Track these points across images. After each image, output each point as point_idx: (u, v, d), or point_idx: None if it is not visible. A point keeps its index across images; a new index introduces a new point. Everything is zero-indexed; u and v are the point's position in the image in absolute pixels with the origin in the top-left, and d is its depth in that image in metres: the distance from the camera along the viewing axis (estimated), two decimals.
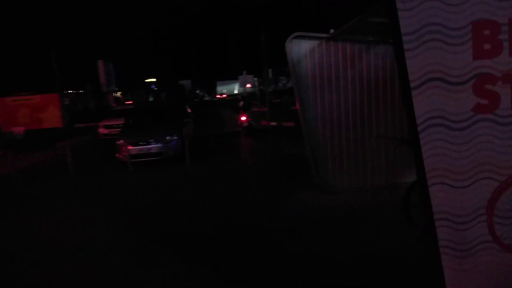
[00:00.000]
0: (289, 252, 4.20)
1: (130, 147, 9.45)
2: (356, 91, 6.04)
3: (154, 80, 54.66)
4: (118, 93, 49.32)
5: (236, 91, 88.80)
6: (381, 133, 6.08)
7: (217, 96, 79.56)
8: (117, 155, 9.90)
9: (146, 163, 9.75)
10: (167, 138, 9.92)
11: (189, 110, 14.69)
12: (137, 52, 57.45)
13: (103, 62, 36.14)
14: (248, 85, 62.30)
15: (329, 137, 6.05)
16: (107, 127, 15.93)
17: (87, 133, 19.24)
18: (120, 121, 15.33)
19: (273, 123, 11.55)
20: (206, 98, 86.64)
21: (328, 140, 6.06)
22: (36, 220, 6.02)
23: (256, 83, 63.91)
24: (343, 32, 5.52)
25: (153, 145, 9.75)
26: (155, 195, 6.98)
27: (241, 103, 18.62)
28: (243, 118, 15.11)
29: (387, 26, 5.06)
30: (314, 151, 6.08)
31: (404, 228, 4.58)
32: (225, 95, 71.39)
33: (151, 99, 57.14)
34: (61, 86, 24.92)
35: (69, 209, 6.46)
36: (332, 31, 6.32)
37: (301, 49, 5.91)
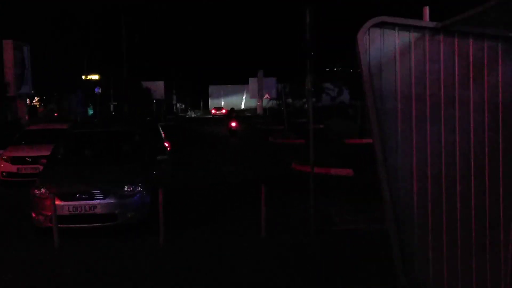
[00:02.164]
0: None
1: (58, 202, 9.46)
2: (486, 125, 5.97)
3: (97, 78, 55.64)
4: (36, 100, 50.19)
5: (243, 105, 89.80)
6: None
7: (213, 111, 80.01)
8: (33, 214, 9.92)
9: (85, 232, 9.76)
10: (126, 189, 10.00)
11: (164, 140, 14.74)
12: (70, 29, 58.50)
13: (12, 44, 37.03)
14: (267, 96, 63.16)
15: (432, 205, 5.93)
16: (14, 160, 16.05)
17: None
18: (38, 151, 15.48)
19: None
20: (192, 115, 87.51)
21: (431, 213, 5.93)
22: None
23: (274, 95, 64.25)
24: (467, 20, 5.53)
25: (100, 201, 9.77)
26: None
27: (234, 114, 37.68)
28: (233, 124, 35.29)
29: None
30: (401, 230, 5.95)
31: None
32: (224, 111, 71.78)
33: (91, 111, 58.15)
34: None
35: None
36: (427, 12, 6.42)
37: (385, 46, 5.93)
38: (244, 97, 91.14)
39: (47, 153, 12.38)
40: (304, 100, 41.57)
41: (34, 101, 49.72)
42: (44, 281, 7.64)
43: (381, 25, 5.91)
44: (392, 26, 5.93)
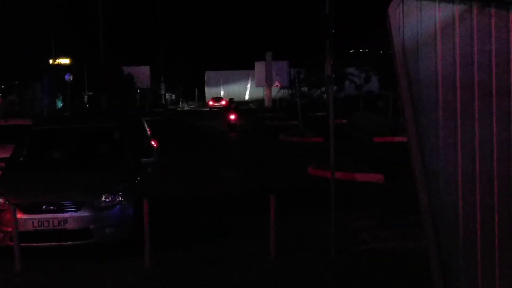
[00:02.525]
0: None
1: (21, 216, 9.49)
2: None
3: (68, 62, 55.53)
4: None
5: (247, 96, 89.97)
6: None
7: (210, 103, 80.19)
8: None
9: (54, 253, 9.77)
10: (103, 199, 10.03)
11: (151, 137, 14.77)
12: (32, 5, 58.27)
13: None
14: (277, 84, 63.27)
15: (482, 219, 5.93)
16: None
17: None
18: None
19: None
20: (185, 107, 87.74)
21: (480, 226, 5.93)
22: None
23: (285, 83, 63.91)
24: None
25: (72, 214, 9.81)
26: None
27: (233, 105, 41.01)
28: (232, 117, 39.06)
29: None
30: (443, 250, 5.96)
31: None
32: (224, 102, 71.89)
33: (60, 103, 58.41)
34: None
35: None
36: None
37: (423, 21, 5.96)
38: (248, 86, 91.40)
39: (6, 155, 12.45)
40: (323, 89, 41.63)
41: None
42: None
43: None
44: None
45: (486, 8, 5.95)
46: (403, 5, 5.92)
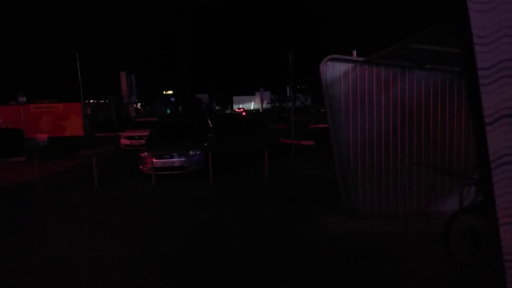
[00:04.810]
0: (310, 285, 4.07)
1: (154, 160, 9.52)
2: (390, 116, 5.97)
3: (171, 92, 55.44)
4: (139, 105, 50.03)
5: (252, 107, 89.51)
6: (416, 160, 5.95)
7: (236, 110, 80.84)
8: (140, 167, 9.98)
9: (168, 176, 9.80)
10: (191, 152, 10.01)
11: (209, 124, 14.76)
12: (156, 64, 58.27)
13: (125, 74, 36.83)
14: (265, 102, 62.80)
15: (361, 161, 5.95)
16: (129, 138, 16.12)
17: (107, 143, 19.52)
18: (141, 133, 15.61)
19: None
20: (225, 112, 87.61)
21: (360, 164, 5.97)
22: (59, 234, 6.04)
23: (269, 101, 64.30)
24: (380, 57, 5.48)
25: (177, 159, 9.82)
26: (179, 211, 6.96)
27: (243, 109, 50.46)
28: (244, 114, 49.05)
29: (426, 53, 5.01)
30: (344, 175, 5.98)
31: (440, 261, 4.41)
32: (242, 109, 72.54)
33: (168, 111, 58.05)
34: (84, 95, 25.60)
35: (93, 222, 6.47)
36: (355, 53, 6.34)
37: (335, 71, 5.90)
38: (252, 103, 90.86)
39: (147, 133, 12.47)
40: (285, 103, 41.49)
41: (138, 105, 49.61)
42: (148, 199, 7.77)
43: (332, 59, 5.88)
44: (338, 60, 5.89)
45: (364, 65, 5.93)
46: (326, 64, 5.89)
